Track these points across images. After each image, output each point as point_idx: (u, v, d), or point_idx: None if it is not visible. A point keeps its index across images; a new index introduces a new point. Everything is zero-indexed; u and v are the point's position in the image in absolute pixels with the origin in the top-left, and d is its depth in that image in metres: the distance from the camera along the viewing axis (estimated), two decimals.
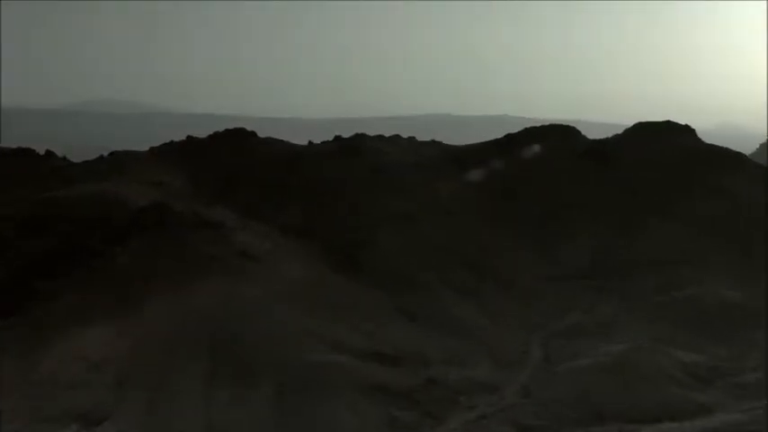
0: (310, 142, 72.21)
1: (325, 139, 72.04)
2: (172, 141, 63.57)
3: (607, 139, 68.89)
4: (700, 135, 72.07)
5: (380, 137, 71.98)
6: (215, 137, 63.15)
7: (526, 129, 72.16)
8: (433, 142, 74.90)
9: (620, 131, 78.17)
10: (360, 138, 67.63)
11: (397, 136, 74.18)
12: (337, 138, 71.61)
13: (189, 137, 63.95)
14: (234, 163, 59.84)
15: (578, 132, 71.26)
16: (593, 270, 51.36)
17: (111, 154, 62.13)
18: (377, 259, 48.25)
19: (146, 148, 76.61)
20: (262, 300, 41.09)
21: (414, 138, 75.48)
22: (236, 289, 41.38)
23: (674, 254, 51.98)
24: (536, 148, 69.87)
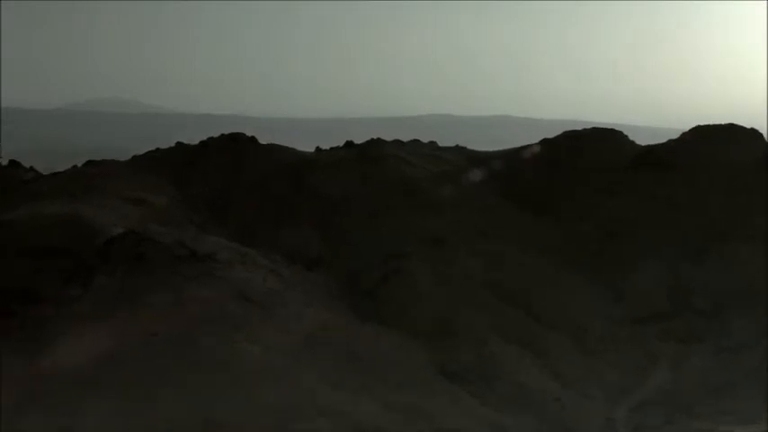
0: (318, 148, 61.56)
1: (328, 141, 62.12)
2: (158, 149, 52.91)
3: (660, 145, 58.12)
4: None
5: (398, 142, 61.26)
6: (208, 143, 52.46)
7: (564, 133, 61.40)
8: (457, 147, 64.19)
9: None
10: (376, 144, 56.92)
11: (417, 141, 63.48)
12: (349, 143, 60.94)
13: (178, 143, 53.28)
14: (230, 175, 49.23)
15: (625, 137, 60.56)
16: (670, 308, 40.76)
17: (88, 163, 51.47)
18: (408, 298, 37.69)
19: (142, 149, 66.54)
20: (264, 361, 30.59)
21: (435, 142, 64.81)
22: (232, 346, 30.88)
23: (764, 285, 41.45)
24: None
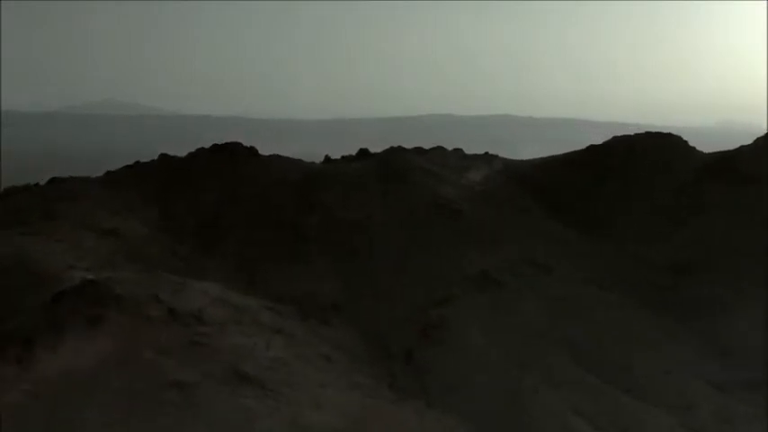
0: (328, 158, 51.73)
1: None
2: (137, 162, 42.91)
3: (731, 152, 48.15)
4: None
5: (419, 150, 51.33)
6: (198, 155, 42.52)
7: (614, 138, 51.39)
8: (487, 155, 54.17)
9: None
10: (396, 153, 46.99)
11: (441, 148, 53.49)
12: (363, 152, 51.12)
13: (162, 156, 43.27)
14: (224, 194, 39.32)
15: (684, 142, 50.50)
16: None
17: (51, 181, 41.50)
18: (458, 364, 27.83)
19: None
20: None
21: (461, 149, 54.82)
22: None
23: None
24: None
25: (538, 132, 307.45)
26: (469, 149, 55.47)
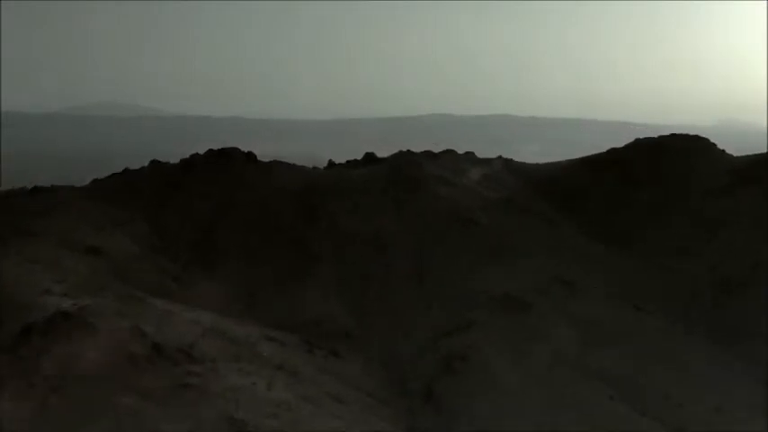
0: (332, 162, 48.32)
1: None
2: (126, 169, 39.30)
3: (763, 155, 44.46)
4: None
5: (429, 154, 47.90)
6: (192, 162, 38.91)
7: (636, 141, 47.73)
8: (500, 159, 50.66)
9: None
10: (405, 158, 43.40)
11: (451, 152, 50.10)
12: (369, 156, 47.76)
13: (154, 162, 39.69)
14: (221, 206, 35.73)
15: (712, 144, 46.89)
16: None
17: (33, 191, 37.90)
18: (486, 402, 24.28)
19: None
20: None
21: (472, 153, 51.46)
22: None
23: None
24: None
25: (538, 132, 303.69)
26: (470, 149, 52.60)
